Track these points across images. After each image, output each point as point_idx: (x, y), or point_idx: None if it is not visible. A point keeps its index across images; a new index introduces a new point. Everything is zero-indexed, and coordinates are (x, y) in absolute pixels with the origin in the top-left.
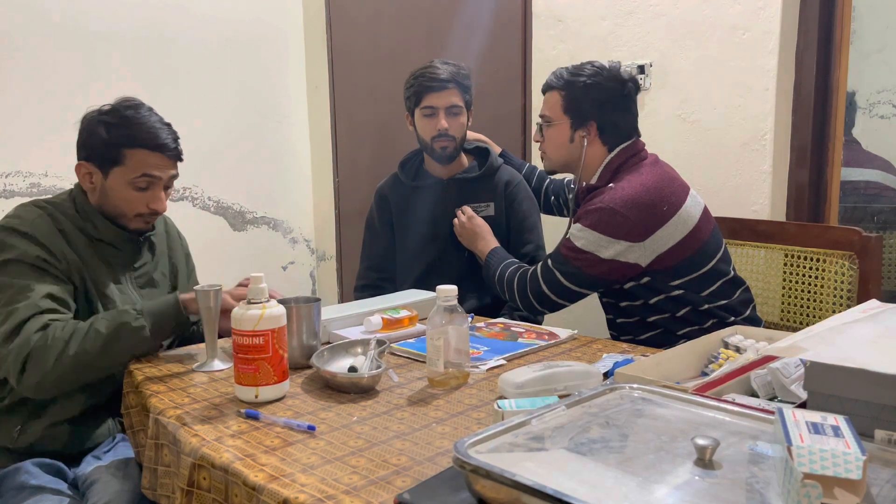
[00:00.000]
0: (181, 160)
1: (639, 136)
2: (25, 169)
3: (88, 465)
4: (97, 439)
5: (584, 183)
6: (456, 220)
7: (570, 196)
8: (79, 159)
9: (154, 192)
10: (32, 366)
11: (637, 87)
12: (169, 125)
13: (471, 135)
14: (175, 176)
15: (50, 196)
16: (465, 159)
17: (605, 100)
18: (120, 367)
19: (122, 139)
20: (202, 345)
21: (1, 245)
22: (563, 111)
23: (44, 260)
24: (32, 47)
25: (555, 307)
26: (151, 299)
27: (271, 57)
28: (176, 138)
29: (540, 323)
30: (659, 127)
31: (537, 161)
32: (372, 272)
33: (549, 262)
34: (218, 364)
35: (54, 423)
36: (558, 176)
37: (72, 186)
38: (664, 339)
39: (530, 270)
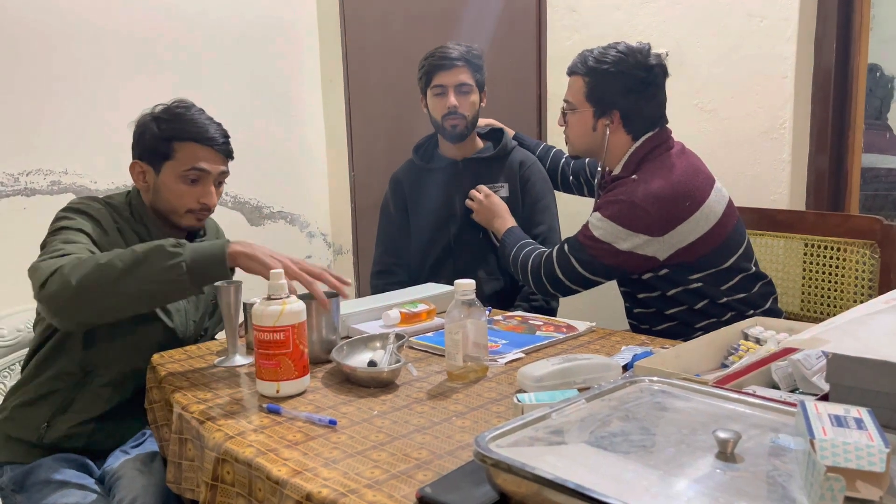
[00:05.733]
0: (231, 157)
1: (666, 123)
2: (46, 167)
3: (116, 460)
4: (124, 437)
5: (609, 170)
6: (469, 200)
7: (595, 181)
8: (133, 158)
9: (204, 187)
10: (58, 275)
11: (665, 72)
12: (219, 124)
13: (483, 120)
14: (225, 173)
15: (72, 195)
16: (479, 141)
17: (629, 88)
18: (144, 300)
19: (173, 133)
20: (223, 339)
21: (60, 218)
22: (585, 98)
23: (101, 240)
24: (49, 46)
25: (567, 292)
26: (199, 304)
27: (285, 51)
28: (225, 135)
29: (554, 308)
30: (675, 116)
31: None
32: (388, 257)
33: (566, 247)
34: (239, 359)
35: (81, 421)
36: None
37: (92, 184)
38: (682, 331)
39: (546, 253)
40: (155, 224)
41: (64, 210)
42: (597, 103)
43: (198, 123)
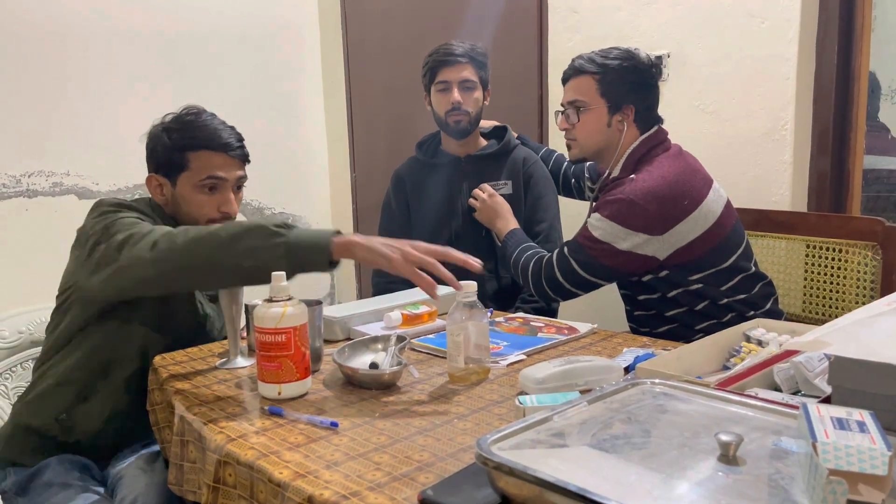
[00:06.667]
0: (248, 161)
1: (662, 123)
2: (48, 169)
3: (122, 461)
4: (134, 436)
5: (608, 174)
6: (472, 200)
7: (589, 184)
8: (148, 172)
9: (223, 195)
10: (168, 235)
11: (659, 73)
12: (232, 127)
13: (486, 122)
14: (243, 178)
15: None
16: (482, 139)
17: (640, 82)
18: (237, 274)
19: (185, 143)
20: (225, 341)
21: (105, 213)
22: (599, 95)
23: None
24: (50, 48)
25: (568, 295)
26: (218, 312)
27: (287, 52)
28: (240, 139)
29: (554, 310)
30: (676, 118)
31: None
32: None
33: (566, 249)
34: (240, 361)
35: (97, 416)
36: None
37: (94, 185)
38: (682, 333)
39: (545, 257)
40: None
41: (102, 209)
42: (611, 98)
43: (209, 130)
